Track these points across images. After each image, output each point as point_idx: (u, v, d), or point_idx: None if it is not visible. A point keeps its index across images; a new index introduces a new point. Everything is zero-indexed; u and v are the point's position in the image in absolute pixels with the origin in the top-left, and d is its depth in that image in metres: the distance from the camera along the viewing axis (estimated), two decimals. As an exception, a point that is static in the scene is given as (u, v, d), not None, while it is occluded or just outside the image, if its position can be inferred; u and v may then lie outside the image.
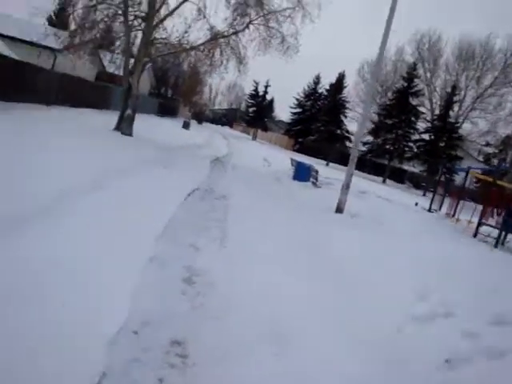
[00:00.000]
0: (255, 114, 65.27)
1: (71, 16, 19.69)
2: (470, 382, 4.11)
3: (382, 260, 7.44)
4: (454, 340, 4.80)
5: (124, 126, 17.80)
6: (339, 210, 11.40)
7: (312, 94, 59.51)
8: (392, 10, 11.59)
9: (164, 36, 19.75)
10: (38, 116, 16.23)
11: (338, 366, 4.17)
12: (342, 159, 47.28)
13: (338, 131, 49.50)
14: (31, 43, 20.05)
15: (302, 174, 17.43)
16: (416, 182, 46.78)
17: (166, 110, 55.43)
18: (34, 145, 9.44)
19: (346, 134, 49.85)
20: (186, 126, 38.28)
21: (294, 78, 66.54)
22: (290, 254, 7.14)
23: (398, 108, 43.76)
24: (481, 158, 46.65)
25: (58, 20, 34.31)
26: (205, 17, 19.16)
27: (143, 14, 18.38)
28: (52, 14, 36.85)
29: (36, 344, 3.15)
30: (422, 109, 47.38)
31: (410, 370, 4.35)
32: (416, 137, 44.80)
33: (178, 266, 5.43)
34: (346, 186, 11.47)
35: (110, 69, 28.49)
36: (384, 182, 42.96)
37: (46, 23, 25.85)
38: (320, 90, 58.94)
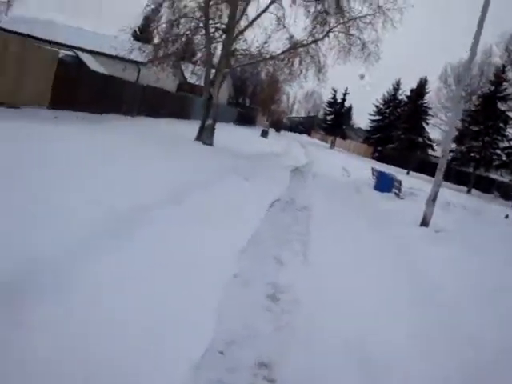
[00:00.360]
0: (333, 122, 64.57)
1: (155, 31, 20.45)
2: None
3: (469, 279, 6.98)
4: None
5: (205, 136, 18.13)
6: (424, 223, 10.87)
7: (391, 100, 58.10)
8: (484, 10, 10.95)
9: (244, 47, 20.02)
10: (124, 126, 16.92)
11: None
12: (423, 168, 45.63)
13: (420, 139, 47.69)
14: (118, 58, 20.94)
15: (384, 184, 16.90)
16: (505, 192, 44.07)
17: (245, 118, 56.23)
18: (118, 155, 9.78)
19: (428, 142, 47.94)
20: (264, 134, 38.57)
21: (373, 84, 65.15)
22: (373, 269, 6.87)
23: (484, 114, 41.47)
24: None
25: (143, 35, 35.77)
26: (284, 26, 19.23)
27: (224, 26, 18.71)
28: (137, 29, 38.45)
29: (121, 371, 3.15)
30: (511, 114, 44.69)
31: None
32: (505, 144, 42.24)
33: (262, 283, 5.33)
34: (433, 198, 10.92)
35: (191, 80, 29.21)
36: (469, 191, 40.87)
37: (132, 38, 27.04)
38: (400, 97, 57.41)
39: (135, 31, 37.69)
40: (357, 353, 4.29)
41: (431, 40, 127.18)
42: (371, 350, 4.39)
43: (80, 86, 17.43)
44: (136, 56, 20.21)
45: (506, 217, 20.02)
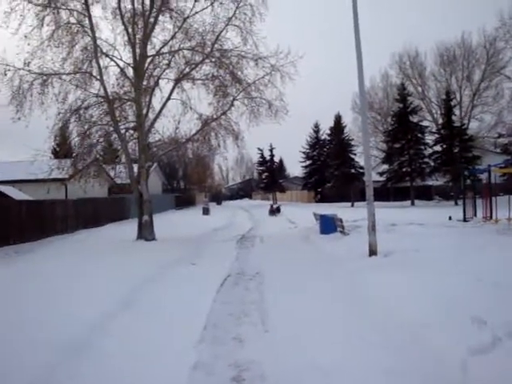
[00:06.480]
0: (269, 179, 65.92)
1: (69, 146, 20.64)
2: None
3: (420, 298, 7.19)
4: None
5: (145, 233, 18.11)
6: (372, 252, 11.17)
7: (316, 142, 60.52)
8: (356, 33, 11.82)
9: (157, 138, 20.50)
10: (59, 247, 16.71)
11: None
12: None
13: (352, 170, 49.57)
14: (40, 180, 20.83)
15: (328, 226, 17.26)
16: (444, 194, 46.11)
17: (184, 201, 56.52)
18: (59, 276, 9.63)
19: (361, 171, 49.77)
20: (205, 212, 38.64)
21: (298, 131, 67.70)
22: (334, 321, 6.86)
23: (401, 130, 43.89)
24: (499, 150, 45.97)
25: (62, 151, 35.72)
26: (191, 108, 19.91)
27: (132, 125, 19.16)
28: (55, 146, 38.35)
29: None
30: (425, 123, 47.52)
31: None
32: (429, 151, 44.56)
33: (223, 365, 5.29)
34: (372, 228, 11.28)
35: (120, 180, 29.26)
36: (413, 204, 42.42)
37: (52, 157, 26.95)
38: (323, 137, 59.94)
39: (54, 149, 37.74)
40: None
41: (340, 73, 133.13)
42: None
43: (8, 219, 17.30)
44: (57, 174, 20.20)
45: (450, 218, 20.90)
